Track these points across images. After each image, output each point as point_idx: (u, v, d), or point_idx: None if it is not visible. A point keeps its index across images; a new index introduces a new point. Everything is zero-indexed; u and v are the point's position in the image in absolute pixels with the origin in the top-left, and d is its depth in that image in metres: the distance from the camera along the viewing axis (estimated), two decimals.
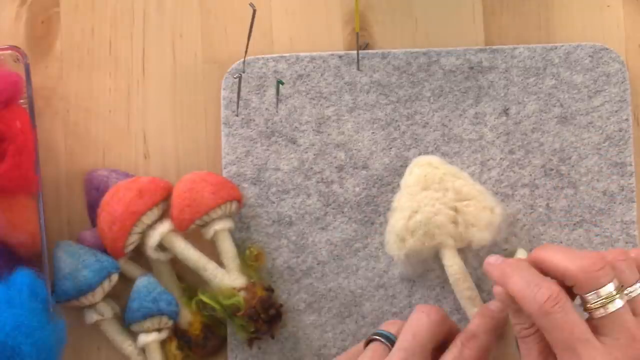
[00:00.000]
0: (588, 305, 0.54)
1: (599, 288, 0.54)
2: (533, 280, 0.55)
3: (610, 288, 0.54)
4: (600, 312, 0.54)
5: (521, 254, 0.64)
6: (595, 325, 0.54)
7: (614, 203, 0.66)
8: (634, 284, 0.55)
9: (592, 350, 0.52)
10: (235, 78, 0.65)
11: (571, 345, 0.53)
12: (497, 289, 0.57)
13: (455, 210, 0.63)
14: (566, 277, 0.54)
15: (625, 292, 0.54)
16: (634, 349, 0.53)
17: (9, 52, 0.65)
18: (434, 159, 0.65)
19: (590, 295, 0.54)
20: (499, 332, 0.60)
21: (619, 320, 0.53)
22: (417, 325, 0.58)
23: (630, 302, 0.54)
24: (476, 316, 0.60)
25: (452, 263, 0.63)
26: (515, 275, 0.55)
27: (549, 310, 0.53)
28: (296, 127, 0.67)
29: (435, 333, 0.58)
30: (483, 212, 0.63)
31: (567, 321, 0.53)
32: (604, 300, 0.53)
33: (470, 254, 0.65)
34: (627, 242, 0.65)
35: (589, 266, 0.54)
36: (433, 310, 0.59)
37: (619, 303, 0.54)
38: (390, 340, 0.58)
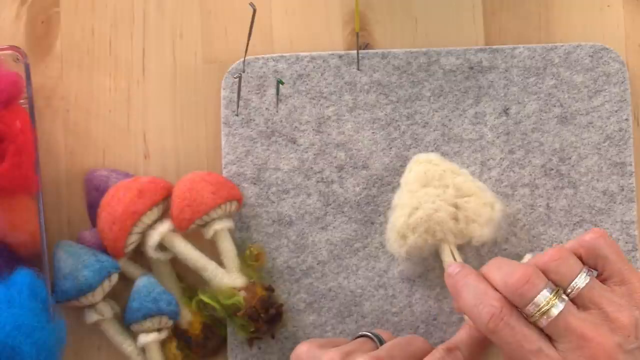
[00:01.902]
0: (530, 318, 0.53)
1: (532, 300, 0.53)
2: (477, 296, 0.54)
3: (544, 295, 0.53)
4: (544, 321, 0.53)
5: (527, 259, 0.64)
6: (547, 333, 0.53)
7: (614, 203, 0.66)
8: (576, 277, 0.54)
9: (545, 359, 0.52)
10: (235, 78, 0.65)
11: (524, 358, 0.53)
12: (454, 304, 0.57)
13: (456, 206, 0.63)
14: (504, 296, 0.54)
15: (569, 289, 0.54)
16: (587, 347, 0.52)
17: (9, 52, 0.65)
18: (434, 156, 0.65)
19: (528, 308, 0.53)
20: (484, 345, 0.60)
21: (563, 323, 0.53)
22: (409, 339, 0.58)
23: (576, 298, 0.54)
24: (462, 328, 0.60)
25: (452, 260, 0.63)
26: (463, 291, 0.55)
27: (494, 328, 0.53)
28: (296, 127, 0.67)
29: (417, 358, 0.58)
30: (483, 208, 0.63)
31: (514, 335, 0.53)
32: (543, 309, 0.53)
33: (471, 253, 0.65)
34: (627, 242, 0.65)
35: (514, 284, 0.53)
36: (426, 341, 0.59)
37: (559, 306, 0.53)
38: (380, 341, 0.59)
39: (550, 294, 0.53)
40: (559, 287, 0.54)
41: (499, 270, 0.55)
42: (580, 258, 0.56)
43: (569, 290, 0.54)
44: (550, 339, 0.53)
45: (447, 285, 0.58)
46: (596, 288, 0.54)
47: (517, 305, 0.54)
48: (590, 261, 0.56)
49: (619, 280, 0.55)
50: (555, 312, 0.53)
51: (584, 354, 0.52)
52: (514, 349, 0.53)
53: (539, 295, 0.53)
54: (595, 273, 0.56)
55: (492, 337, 0.54)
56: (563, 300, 0.53)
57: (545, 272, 0.54)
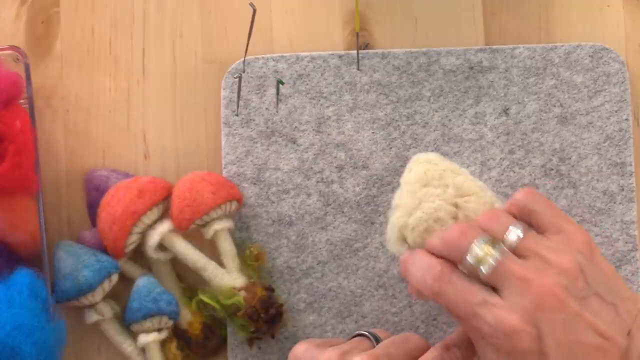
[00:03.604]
0: (470, 271, 0.54)
1: (467, 249, 0.53)
2: (421, 265, 0.55)
3: (479, 244, 0.53)
4: (484, 272, 0.53)
5: None
6: (491, 284, 0.53)
7: (614, 203, 0.66)
8: (507, 231, 0.54)
9: (492, 308, 0.52)
10: (235, 78, 0.65)
11: (471, 312, 0.53)
12: (409, 288, 0.57)
13: (456, 206, 0.63)
14: (442, 255, 0.55)
15: (505, 242, 0.54)
16: (530, 291, 0.52)
17: (9, 52, 0.65)
18: (434, 156, 0.65)
19: (466, 260, 0.53)
20: None
21: (503, 270, 0.53)
22: (405, 337, 0.58)
23: (514, 250, 0.54)
24: (459, 327, 0.60)
25: None
26: (411, 268, 0.56)
27: (438, 290, 0.53)
28: (296, 127, 0.67)
29: (414, 356, 0.58)
30: (484, 207, 0.63)
31: (457, 292, 0.53)
32: (480, 258, 0.53)
33: None
34: (627, 242, 0.65)
35: (449, 238, 0.54)
36: (422, 339, 0.59)
37: (496, 254, 0.53)
38: (377, 340, 0.59)
39: (485, 243, 0.53)
40: (494, 238, 0.54)
41: (436, 235, 0.56)
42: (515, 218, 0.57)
43: (506, 245, 0.54)
44: (494, 290, 0.53)
45: (401, 273, 0.59)
46: (532, 238, 0.55)
47: (455, 260, 0.54)
48: (523, 219, 0.57)
49: (554, 230, 0.56)
50: (492, 260, 0.53)
51: (529, 297, 0.52)
52: (460, 306, 0.53)
53: (474, 246, 0.53)
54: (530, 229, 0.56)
55: (439, 300, 0.54)
56: (499, 247, 0.53)
57: None
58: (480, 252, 0.53)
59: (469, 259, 0.54)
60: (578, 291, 0.52)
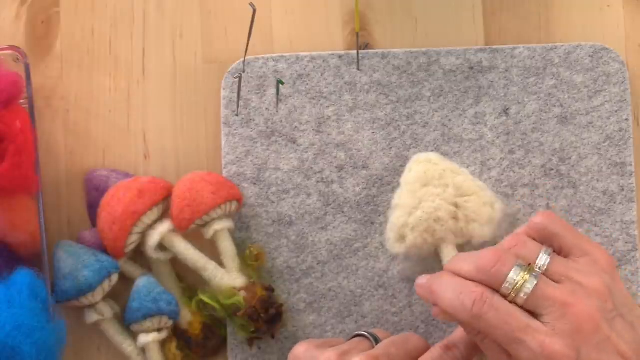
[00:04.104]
0: (509, 298, 0.54)
1: (506, 277, 0.53)
2: (457, 289, 0.54)
3: (517, 272, 0.53)
4: (522, 297, 0.53)
5: None
6: (529, 309, 0.53)
7: (614, 203, 0.66)
8: (537, 257, 0.55)
9: (535, 334, 0.52)
10: (235, 78, 0.65)
11: (514, 337, 0.53)
12: (434, 311, 0.57)
13: (456, 206, 0.63)
14: (479, 282, 0.54)
15: (536, 267, 0.54)
16: (571, 314, 0.52)
17: (9, 52, 0.65)
18: (434, 156, 0.65)
19: (504, 287, 0.53)
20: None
21: (542, 295, 0.53)
22: (405, 337, 0.58)
23: (545, 273, 0.54)
24: (459, 327, 0.60)
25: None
26: (441, 291, 0.55)
27: (479, 313, 0.53)
28: (296, 127, 0.67)
29: (414, 357, 0.58)
30: (484, 207, 0.63)
31: (500, 317, 0.53)
32: (518, 285, 0.53)
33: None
34: (627, 242, 0.65)
35: (486, 265, 0.54)
36: (422, 339, 0.59)
37: (533, 280, 0.53)
38: (376, 340, 0.59)
39: (522, 270, 0.54)
40: (529, 264, 0.54)
41: (467, 260, 0.56)
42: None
43: (537, 267, 0.54)
44: (533, 316, 0.53)
45: (420, 295, 0.58)
46: (561, 262, 0.55)
47: (493, 286, 0.54)
48: (545, 242, 0.57)
49: (579, 252, 0.56)
50: (530, 286, 0.53)
51: (570, 321, 0.52)
52: (502, 331, 0.53)
53: (511, 273, 0.53)
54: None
55: (478, 323, 0.54)
56: (536, 273, 0.54)
57: None
58: (518, 278, 0.53)
59: (506, 286, 0.53)
60: (608, 313, 0.53)
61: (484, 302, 0.53)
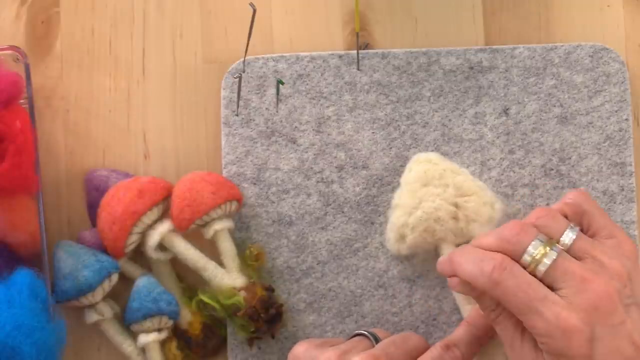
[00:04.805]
0: (528, 268, 0.54)
1: (526, 248, 0.54)
2: (477, 257, 0.55)
3: (538, 244, 0.54)
4: (541, 269, 0.53)
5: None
6: (547, 283, 0.54)
7: (614, 203, 0.66)
8: (563, 233, 0.55)
9: (552, 305, 0.52)
10: (235, 78, 0.65)
11: (531, 306, 0.53)
12: (451, 281, 0.57)
13: (456, 206, 0.63)
14: (500, 252, 0.54)
15: (560, 244, 0.55)
16: (589, 290, 0.52)
17: (9, 52, 0.65)
18: (434, 156, 0.65)
19: (524, 258, 0.54)
20: (481, 342, 0.60)
21: (561, 268, 0.53)
22: (405, 336, 0.58)
23: (568, 250, 0.54)
24: (460, 326, 0.60)
25: None
26: (462, 260, 0.56)
27: (498, 279, 0.53)
28: (296, 127, 0.67)
29: (413, 356, 0.58)
30: (484, 207, 0.63)
31: (519, 284, 0.53)
32: (538, 257, 0.53)
33: None
34: None
35: (507, 235, 0.55)
36: (422, 338, 0.60)
37: (553, 253, 0.53)
38: (376, 339, 0.59)
39: (543, 244, 0.54)
40: (550, 238, 0.55)
41: (489, 234, 0.56)
42: (566, 217, 0.57)
43: (560, 245, 0.55)
44: (551, 289, 0.53)
45: (442, 271, 0.59)
46: (586, 240, 0.55)
47: (513, 255, 0.54)
48: (576, 219, 0.58)
49: (606, 234, 0.57)
50: (550, 259, 0.53)
51: (586, 297, 0.52)
52: (519, 299, 0.53)
53: (531, 245, 0.54)
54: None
55: (496, 290, 0.54)
56: (556, 248, 0.54)
57: None
58: (538, 250, 0.54)
59: (526, 257, 0.54)
60: (625, 298, 0.53)
61: (504, 268, 0.53)
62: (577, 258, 0.54)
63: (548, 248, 0.54)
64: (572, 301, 0.52)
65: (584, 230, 0.58)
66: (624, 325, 0.52)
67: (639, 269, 0.55)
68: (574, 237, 0.55)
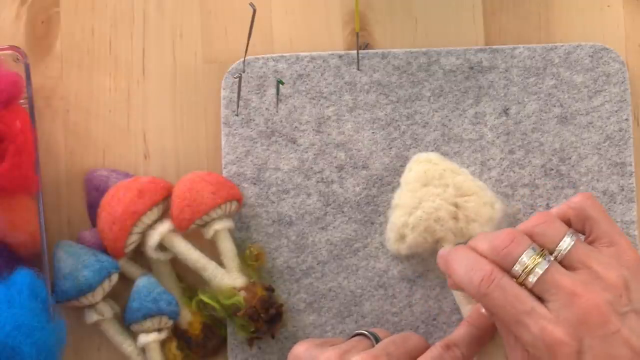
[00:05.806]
0: (517, 279, 0.54)
1: (518, 258, 0.54)
2: (468, 264, 0.55)
3: (529, 255, 0.54)
4: (531, 280, 0.53)
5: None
6: (537, 294, 0.53)
7: (614, 203, 0.66)
8: (561, 240, 0.55)
9: (538, 319, 0.52)
10: (235, 78, 0.65)
11: (517, 319, 0.53)
12: (449, 281, 0.58)
13: (456, 205, 0.63)
14: (492, 259, 0.55)
15: (555, 252, 0.54)
16: (578, 304, 0.52)
17: (9, 52, 0.65)
18: (434, 156, 0.65)
19: (515, 268, 0.54)
20: (481, 342, 0.60)
21: (551, 280, 0.53)
22: (405, 336, 0.58)
23: (564, 259, 0.54)
24: (460, 326, 0.60)
25: None
26: (455, 264, 0.56)
27: (485, 291, 0.53)
28: (296, 127, 0.67)
29: (413, 356, 0.58)
30: (484, 207, 0.63)
31: (506, 297, 0.53)
32: (529, 267, 0.53)
33: None
34: None
35: (499, 244, 0.54)
36: (422, 338, 0.60)
37: (545, 264, 0.53)
38: (376, 339, 0.59)
39: (535, 254, 0.54)
40: (543, 248, 0.54)
41: (485, 238, 0.56)
42: (568, 221, 0.57)
43: (556, 253, 0.54)
44: (540, 300, 0.53)
45: (440, 265, 0.59)
46: (583, 249, 0.55)
47: (504, 266, 0.54)
48: (578, 224, 0.57)
49: (607, 241, 0.56)
50: (540, 270, 0.53)
51: (575, 311, 0.52)
52: (506, 311, 0.53)
53: (523, 255, 0.54)
54: (582, 237, 0.57)
55: (484, 300, 0.54)
56: (548, 259, 0.54)
57: (530, 236, 0.55)
58: (529, 261, 0.54)
59: (517, 267, 0.54)
60: (620, 307, 0.53)
61: (492, 280, 0.53)
62: (572, 267, 0.54)
63: (540, 259, 0.53)
64: (559, 315, 0.52)
65: (585, 235, 0.57)
66: (619, 333, 0.52)
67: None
68: (572, 244, 0.55)
